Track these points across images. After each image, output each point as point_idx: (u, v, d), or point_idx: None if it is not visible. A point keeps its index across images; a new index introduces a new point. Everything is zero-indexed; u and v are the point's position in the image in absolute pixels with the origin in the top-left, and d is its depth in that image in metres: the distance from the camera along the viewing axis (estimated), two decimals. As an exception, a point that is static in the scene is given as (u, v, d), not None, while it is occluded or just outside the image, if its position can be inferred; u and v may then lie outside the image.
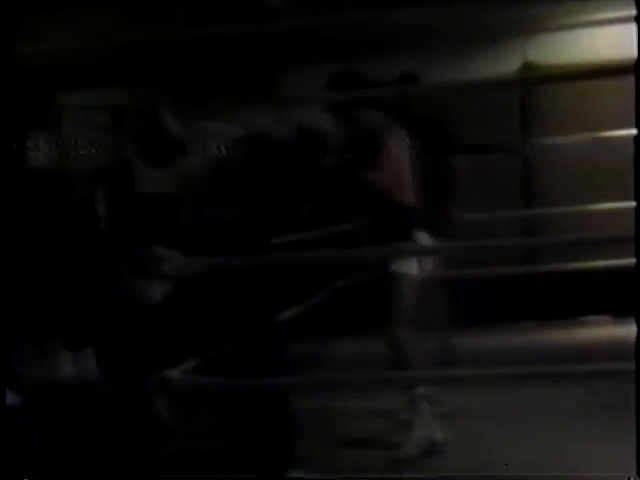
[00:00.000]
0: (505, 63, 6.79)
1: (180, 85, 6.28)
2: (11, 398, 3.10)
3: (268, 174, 3.91)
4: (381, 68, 6.56)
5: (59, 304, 3.64)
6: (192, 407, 4.12)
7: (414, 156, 4.67)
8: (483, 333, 5.96)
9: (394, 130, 4.59)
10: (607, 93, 5.86)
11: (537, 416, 4.44)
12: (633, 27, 2.24)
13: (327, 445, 4.34)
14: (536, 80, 5.35)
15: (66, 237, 3.68)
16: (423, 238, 4.48)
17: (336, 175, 4.35)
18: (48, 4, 5.01)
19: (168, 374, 3.40)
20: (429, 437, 4.24)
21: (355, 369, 4.89)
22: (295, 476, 3.68)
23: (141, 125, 3.77)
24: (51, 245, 3.70)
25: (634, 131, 2.21)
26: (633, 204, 2.24)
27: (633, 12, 2.20)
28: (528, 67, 7.13)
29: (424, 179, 4.70)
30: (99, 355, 3.59)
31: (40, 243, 3.71)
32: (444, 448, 4.17)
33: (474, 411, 4.56)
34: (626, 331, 2.63)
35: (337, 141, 4.21)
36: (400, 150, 4.56)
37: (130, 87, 5.76)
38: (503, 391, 4.14)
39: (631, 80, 2.29)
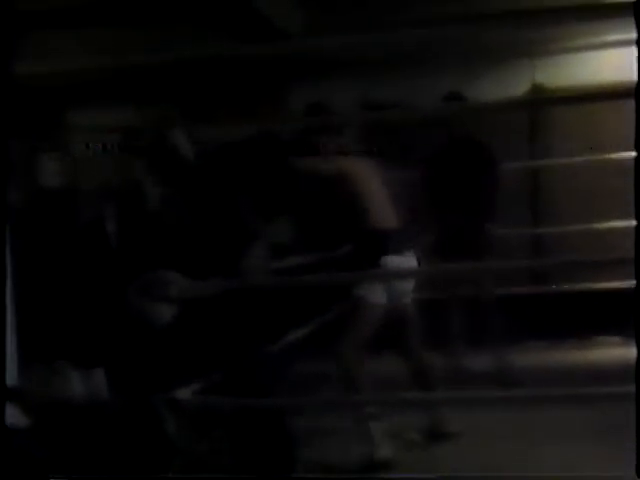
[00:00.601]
0: (514, 85, 6.81)
1: (191, 103, 6.30)
2: (19, 417, 3.11)
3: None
4: (387, 87, 6.64)
5: (68, 323, 3.66)
6: (200, 426, 4.12)
7: (395, 181, 4.72)
8: (493, 353, 5.93)
9: (363, 157, 4.63)
10: (616, 113, 5.87)
11: (543, 436, 4.44)
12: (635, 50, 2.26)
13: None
14: (544, 102, 5.37)
15: (76, 256, 3.69)
16: (404, 262, 4.47)
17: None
18: (45, 24, 5.04)
19: (177, 394, 3.41)
20: (370, 455, 4.33)
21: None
22: (295, 476, 3.71)
23: (152, 144, 3.78)
24: (61, 264, 3.71)
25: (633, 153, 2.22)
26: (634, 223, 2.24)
27: (634, 35, 2.22)
28: (537, 89, 7.15)
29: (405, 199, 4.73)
30: (108, 374, 3.60)
31: (50, 262, 3.72)
32: (390, 465, 4.26)
33: (480, 431, 4.55)
34: (634, 352, 2.61)
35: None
36: (370, 177, 4.58)
37: (140, 106, 5.78)
38: (511, 411, 4.14)
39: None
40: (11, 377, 3.06)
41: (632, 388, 2.42)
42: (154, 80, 5.09)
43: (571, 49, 7.06)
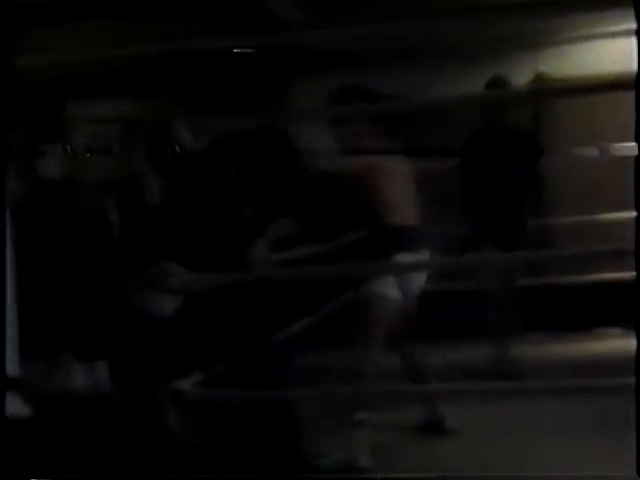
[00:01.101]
0: (517, 75, 6.77)
1: (192, 95, 6.29)
2: (22, 409, 3.12)
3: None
4: (383, 82, 6.60)
5: (71, 316, 3.66)
6: (202, 418, 4.12)
7: (420, 175, 4.62)
8: (492, 345, 5.93)
9: (394, 148, 4.56)
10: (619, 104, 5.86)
11: (542, 429, 4.42)
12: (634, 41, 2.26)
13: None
14: (548, 92, 5.34)
15: (77, 249, 3.69)
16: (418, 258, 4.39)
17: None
18: (45, 18, 5.04)
19: (178, 386, 3.41)
20: (351, 462, 4.24)
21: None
22: (297, 476, 3.70)
23: (153, 136, 3.78)
24: (63, 257, 3.71)
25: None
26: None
27: (634, 26, 2.22)
28: (539, 79, 7.13)
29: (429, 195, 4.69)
30: (110, 367, 3.60)
31: (52, 255, 3.72)
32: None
33: (479, 425, 4.55)
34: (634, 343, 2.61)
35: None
36: (397, 170, 4.50)
37: (142, 98, 5.77)
38: (510, 405, 4.14)
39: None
40: (14, 369, 3.07)
41: (632, 380, 2.42)
42: (155, 72, 5.07)
43: (573, 39, 7.04)
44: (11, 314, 3.02)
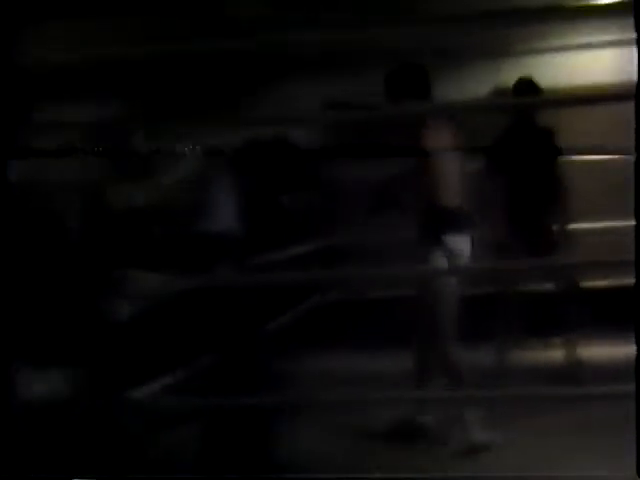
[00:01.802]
0: (507, 84, 6.71)
1: (150, 101, 6.19)
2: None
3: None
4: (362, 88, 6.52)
5: (29, 321, 3.56)
6: (166, 423, 4.05)
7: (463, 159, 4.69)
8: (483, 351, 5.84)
9: (441, 130, 4.54)
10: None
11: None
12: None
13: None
14: (537, 103, 5.26)
15: (36, 253, 3.61)
16: (462, 242, 4.44)
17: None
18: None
19: (141, 392, 3.37)
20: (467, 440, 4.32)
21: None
22: (295, 476, 3.63)
23: (112, 141, 3.72)
24: (23, 261, 3.62)
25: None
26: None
27: (633, 35, 2.15)
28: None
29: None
30: (69, 373, 3.52)
31: (11, 259, 3.63)
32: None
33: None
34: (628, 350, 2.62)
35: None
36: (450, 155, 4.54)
37: (102, 102, 5.71)
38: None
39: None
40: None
41: (631, 387, 2.44)
42: (117, 76, 4.98)
43: (566, 47, 7.00)
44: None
